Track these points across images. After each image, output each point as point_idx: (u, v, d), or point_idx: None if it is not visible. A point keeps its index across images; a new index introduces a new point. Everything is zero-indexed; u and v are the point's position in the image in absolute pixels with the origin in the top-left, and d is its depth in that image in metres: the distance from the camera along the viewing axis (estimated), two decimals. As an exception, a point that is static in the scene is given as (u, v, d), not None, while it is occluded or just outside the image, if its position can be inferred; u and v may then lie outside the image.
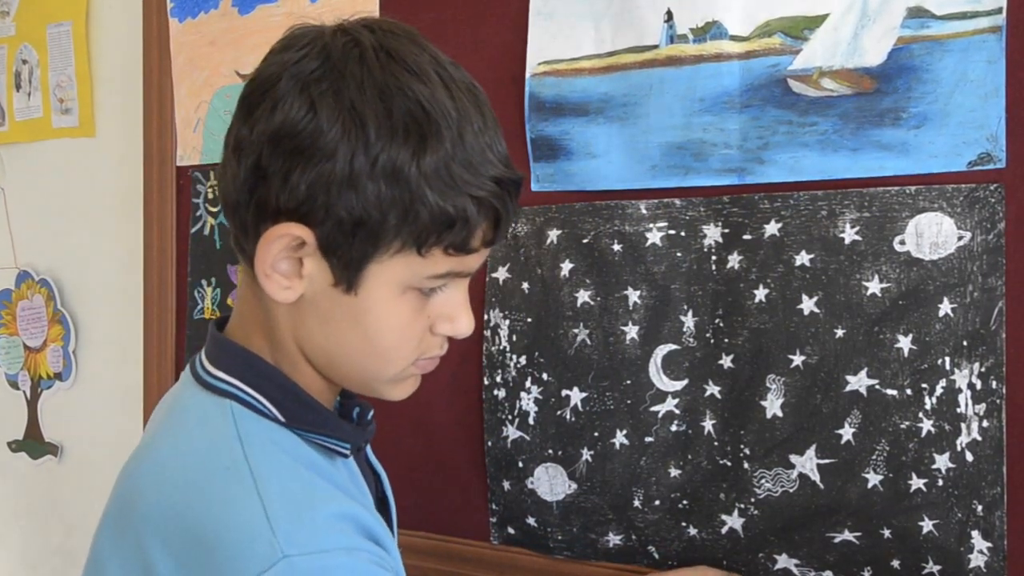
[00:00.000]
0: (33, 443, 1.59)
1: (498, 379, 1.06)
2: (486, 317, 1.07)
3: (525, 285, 1.04)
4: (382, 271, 0.62)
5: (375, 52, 0.61)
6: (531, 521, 1.06)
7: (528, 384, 1.04)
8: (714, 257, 0.95)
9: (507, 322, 1.05)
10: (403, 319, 0.65)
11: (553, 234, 1.03)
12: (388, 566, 0.62)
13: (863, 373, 0.89)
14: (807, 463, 0.91)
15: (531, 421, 1.04)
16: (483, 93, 0.65)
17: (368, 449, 0.79)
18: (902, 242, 0.87)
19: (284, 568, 0.55)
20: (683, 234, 0.96)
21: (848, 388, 0.89)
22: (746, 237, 0.93)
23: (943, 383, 0.86)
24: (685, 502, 0.98)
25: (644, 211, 0.98)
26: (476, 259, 0.65)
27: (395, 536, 0.81)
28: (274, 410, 0.65)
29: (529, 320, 1.04)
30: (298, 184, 0.60)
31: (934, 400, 0.86)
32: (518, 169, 0.66)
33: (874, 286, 0.88)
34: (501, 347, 1.06)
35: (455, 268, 0.64)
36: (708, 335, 0.96)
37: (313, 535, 0.58)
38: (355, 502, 0.64)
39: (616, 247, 0.99)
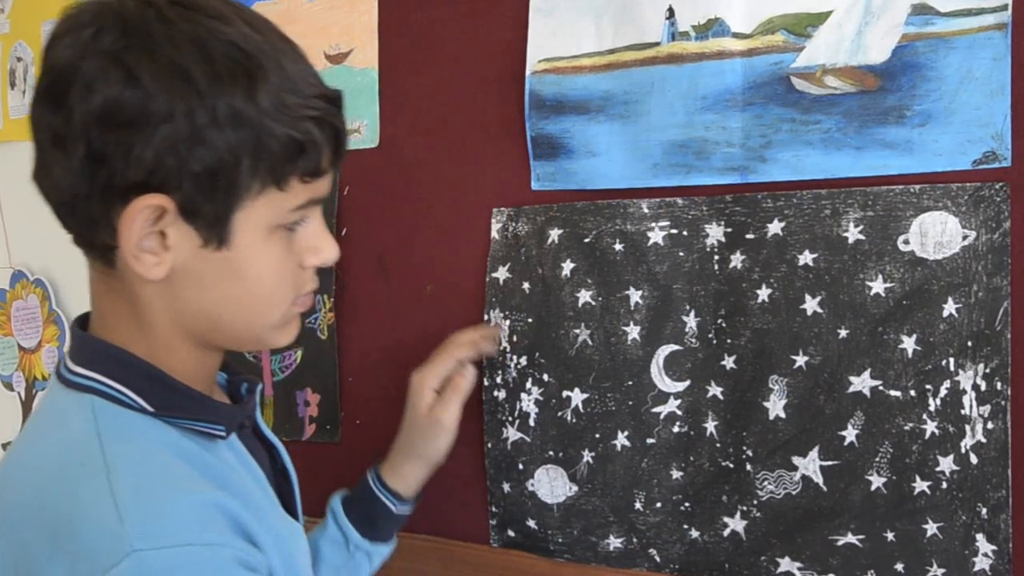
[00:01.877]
0: (28, 444, 1.58)
1: (498, 380, 1.05)
2: (486, 317, 1.06)
3: (526, 285, 1.03)
4: (247, 217, 0.63)
5: (170, 7, 0.61)
6: (531, 524, 1.05)
7: (528, 385, 1.03)
8: (716, 257, 0.94)
9: (507, 322, 1.04)
10: (276, 260, 0.66)
11: (554, 234, 1.02)
12: (255, 565, 0.61)
13: (866, 374, 0.88)
14: (810, 465, 0.91)
15: (531, 422, 1.03)
16: (277, 25, 0.67)
17: (260, 422, 0.79)
18: (906, 241, 0.86)
19: (132, 563, 0.54)
20: (685, 233, 0.96)
21: (851, 389, 0.88)
22: (749, 236, 0.92)
23: (947, 384, 0.85)
24: (687, 504, 0.97)
25: (646, 210, 0.97)
26: (326, 183, 0.68)
27: (299, 509, 0.80)
28: (140, 400, 0.65)
29: (530, 320, 1.03)
30: (143, 155, 0.59)
31: (938, 401, 0.85)
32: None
33: (878, 286, 0.87)
34: (501, 347, 1.05)
35: (312, 195, 0.67)
36: (710, 335, 0.95)
37: (169, 528, 0.57)
38: (226, 492, 0.62)
39: (618, 247, 0.98)
